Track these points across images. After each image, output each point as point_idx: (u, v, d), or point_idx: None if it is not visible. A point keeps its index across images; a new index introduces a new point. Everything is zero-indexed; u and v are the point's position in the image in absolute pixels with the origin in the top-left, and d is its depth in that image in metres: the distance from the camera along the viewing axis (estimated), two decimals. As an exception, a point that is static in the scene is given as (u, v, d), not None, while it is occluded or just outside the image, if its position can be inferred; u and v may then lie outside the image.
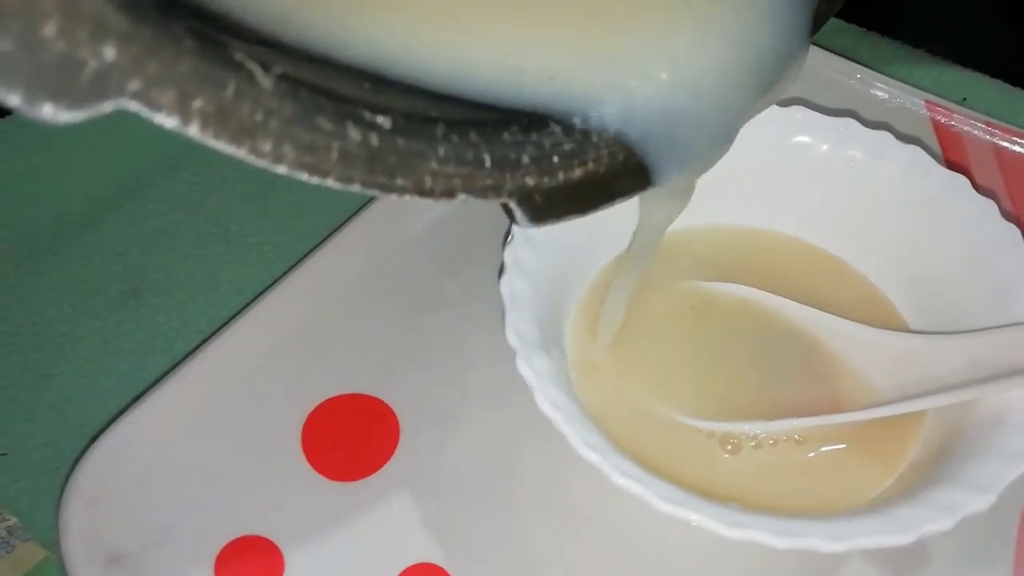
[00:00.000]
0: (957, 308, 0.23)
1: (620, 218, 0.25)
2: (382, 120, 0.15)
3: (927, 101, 0.32)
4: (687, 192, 0.21)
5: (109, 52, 0.11)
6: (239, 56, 0.13)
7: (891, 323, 0.25)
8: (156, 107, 0.12)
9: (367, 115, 0.14)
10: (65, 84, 0.11)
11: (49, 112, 0.11)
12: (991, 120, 0.32)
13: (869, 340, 0.23)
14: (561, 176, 0.18)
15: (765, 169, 0.26)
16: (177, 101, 0.12)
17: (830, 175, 0.26)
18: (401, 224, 0.29)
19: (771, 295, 0.25)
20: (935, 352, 0.22)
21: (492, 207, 0.17)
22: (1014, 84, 0.34)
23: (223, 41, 0.13)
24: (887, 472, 0.21)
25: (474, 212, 0.29)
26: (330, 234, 0.29)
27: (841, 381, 0.23)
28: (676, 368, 0.24)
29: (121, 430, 0.23)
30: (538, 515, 0.24)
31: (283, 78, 0.13)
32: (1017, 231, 0.23)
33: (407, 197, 0.15)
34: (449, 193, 0.16)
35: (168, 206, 0.31)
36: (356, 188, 0.15)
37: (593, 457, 0.19)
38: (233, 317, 0.27)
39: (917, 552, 0.23)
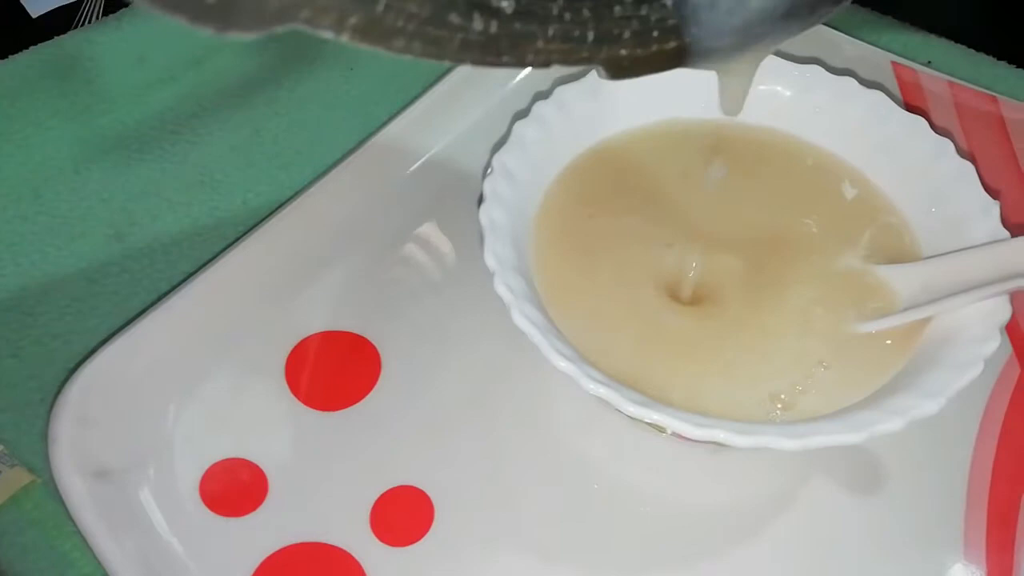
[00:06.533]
0: (919, 236, 0.24)
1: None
2: (506, 4, 0.16)
3: (893, 62, 0.33)
4: None
5: None
6: None
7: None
8: (318, 28, 0.14)
9: (493, 1, 0.16)
10: (254, 16, 0.13)
11: (235, 34, 0.13)
12: (954, 81, 0.33)
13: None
14: (655, 47, 0.18)
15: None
16: (336, 22, 0.14)
17: (797, 118, 0.27)
18: (385, 168, 0.30)
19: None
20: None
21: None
22: (977, 49, 0.35)
23: None
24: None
25: (455, 155, 0.30)
26: (314, 179, 0.29)
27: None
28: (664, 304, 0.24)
29: (111, 353, 0.24)
30: (514, 441, 0.24)
31: None
32: (972, 167, 0.24)
33: (503, 67, 0.17)
34: (545, 64, 0.17)
35: (153, 155, 0.32)
36: (465, 64, 0.16)
37: (565, 365, 0.20)
38: (218, 255, 0.27)
39: (878, 470, 0.24)
